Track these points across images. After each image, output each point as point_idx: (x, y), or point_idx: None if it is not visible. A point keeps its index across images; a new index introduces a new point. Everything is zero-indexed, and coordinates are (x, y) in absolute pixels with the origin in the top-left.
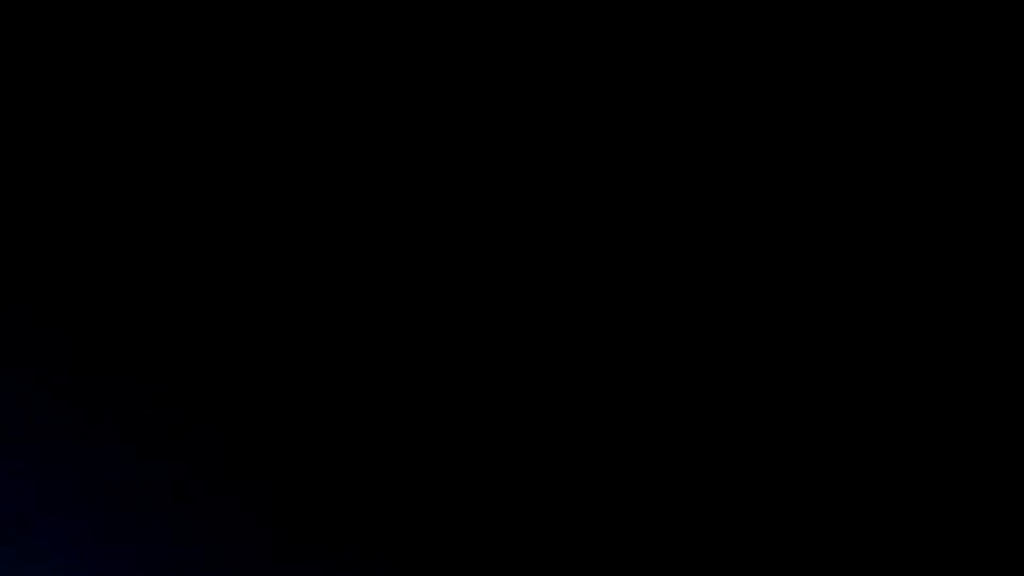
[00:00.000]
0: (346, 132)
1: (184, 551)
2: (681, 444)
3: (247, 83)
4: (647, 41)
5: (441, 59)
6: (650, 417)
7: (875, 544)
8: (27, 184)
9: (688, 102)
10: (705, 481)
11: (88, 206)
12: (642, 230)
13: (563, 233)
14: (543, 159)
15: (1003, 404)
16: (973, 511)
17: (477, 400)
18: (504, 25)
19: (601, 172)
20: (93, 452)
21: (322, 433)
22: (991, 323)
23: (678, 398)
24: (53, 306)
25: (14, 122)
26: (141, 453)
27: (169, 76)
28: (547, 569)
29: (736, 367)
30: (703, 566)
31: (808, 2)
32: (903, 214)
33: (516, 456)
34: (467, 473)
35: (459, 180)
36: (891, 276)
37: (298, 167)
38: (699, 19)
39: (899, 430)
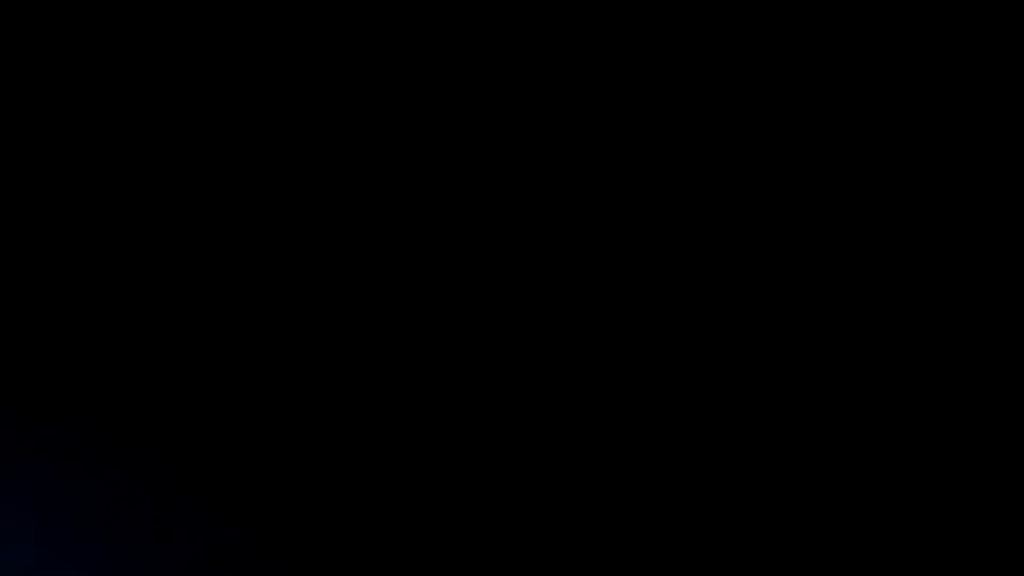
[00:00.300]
0: (345, 132)
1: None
2: (681, 444)
3: (241, 85)
4: (647, 41)
5: (441, 59)
6: (648, 417)
7: (875, 544)
8: None
9: (688, 102)
10: (705, 481)
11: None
12: (642, 230)
13: (563, 233)
14: (543, 159)
15: (1003, 404)
16: (973, 511)
17: (459, 407)
18: (504, 25)
19: (601, 172)
20: (78, 466)
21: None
22: (991, 323)
23: (678, 398)
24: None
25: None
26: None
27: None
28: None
29: (736, 367)
30: (703, 566)
31: (808, 2)
32: (903, 214)
33: (506, 461)
34: (452, 480)
35: (459, 180)
36: (891, 276)
37: (262, 169)
38: (699, 19)
39: (899, 430)
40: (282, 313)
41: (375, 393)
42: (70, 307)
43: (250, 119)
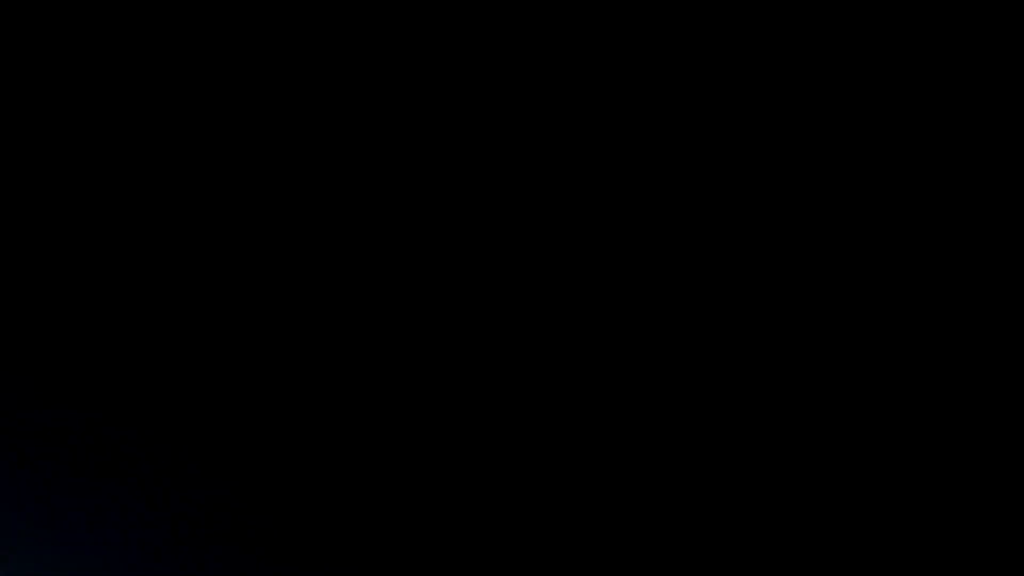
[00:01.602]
0: (345, 132)
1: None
2: (681, 444)
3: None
4: (647, 41)
5: (441, 59)
6: (647, 418)
7: (875, 544)
8: None
9: (688, 102)
10: (705, 481)
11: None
12: (642, 230)
13: (563, 233)
14: (543, 159)
15: (1003, 404)
16: (973, 511)
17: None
18: (504, 25)
19: (601, 172)
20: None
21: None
22: (991, 323)
23: (678, 398)
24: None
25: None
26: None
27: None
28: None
29: (736, 367)
30: (703, 566)
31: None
32: (903, 214)
33: (498, 465)
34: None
35: (459, 180)
36: (891, 276)
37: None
38: (699, 19)
39: (899, 430)
40: (282, 312)
41: (375, 393)
42: (70, 304)
43: (250, 119)
